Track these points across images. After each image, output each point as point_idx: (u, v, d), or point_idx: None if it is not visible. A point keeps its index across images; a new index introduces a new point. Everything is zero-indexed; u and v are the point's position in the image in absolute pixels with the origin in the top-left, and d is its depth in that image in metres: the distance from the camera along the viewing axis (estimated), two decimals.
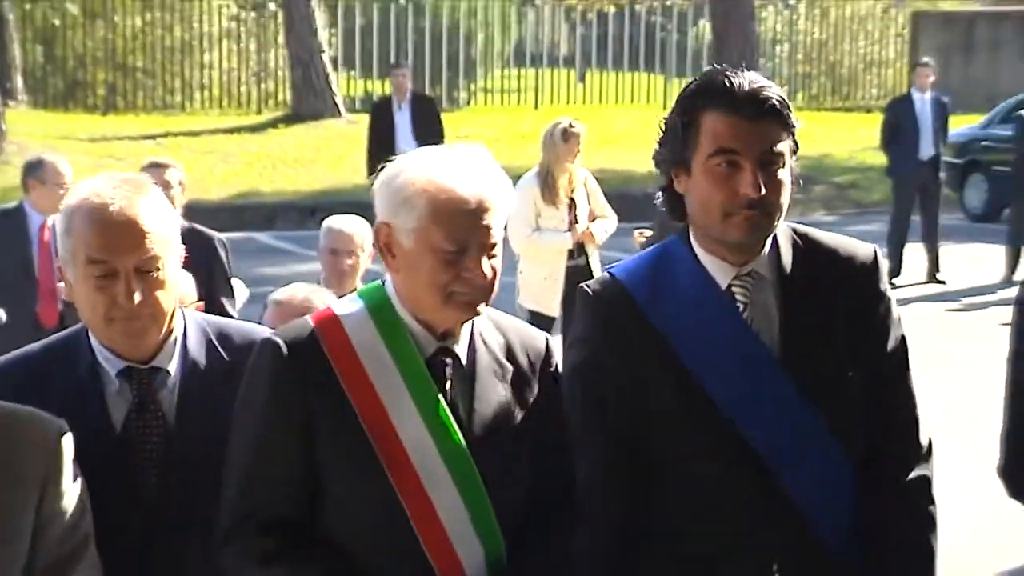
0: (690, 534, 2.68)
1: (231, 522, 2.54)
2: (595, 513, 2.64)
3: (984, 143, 16.92)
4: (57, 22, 24.83)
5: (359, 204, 8.57)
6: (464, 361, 2.59)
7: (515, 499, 2.59)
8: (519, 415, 2.62)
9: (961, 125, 16.88)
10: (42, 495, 2.47)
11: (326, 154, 19.60)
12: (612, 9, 28.87)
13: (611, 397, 2.67)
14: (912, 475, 2.76)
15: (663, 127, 2.72)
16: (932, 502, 2.84)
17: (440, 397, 2.54)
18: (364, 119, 16.54)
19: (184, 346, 2.72)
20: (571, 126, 8.51)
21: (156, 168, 6.30)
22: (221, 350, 2.74)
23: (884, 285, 2.81)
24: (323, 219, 6.19)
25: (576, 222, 8.40)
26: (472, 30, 26.03)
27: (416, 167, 2.53)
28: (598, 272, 8.44)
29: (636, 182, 15.92)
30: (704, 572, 2.68)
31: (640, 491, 2.68)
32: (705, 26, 24.41)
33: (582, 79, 27.11)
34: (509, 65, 27.69)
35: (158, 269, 2.59)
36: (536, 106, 25.18)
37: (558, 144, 8.42)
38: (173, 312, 2.68)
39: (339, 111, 22.68)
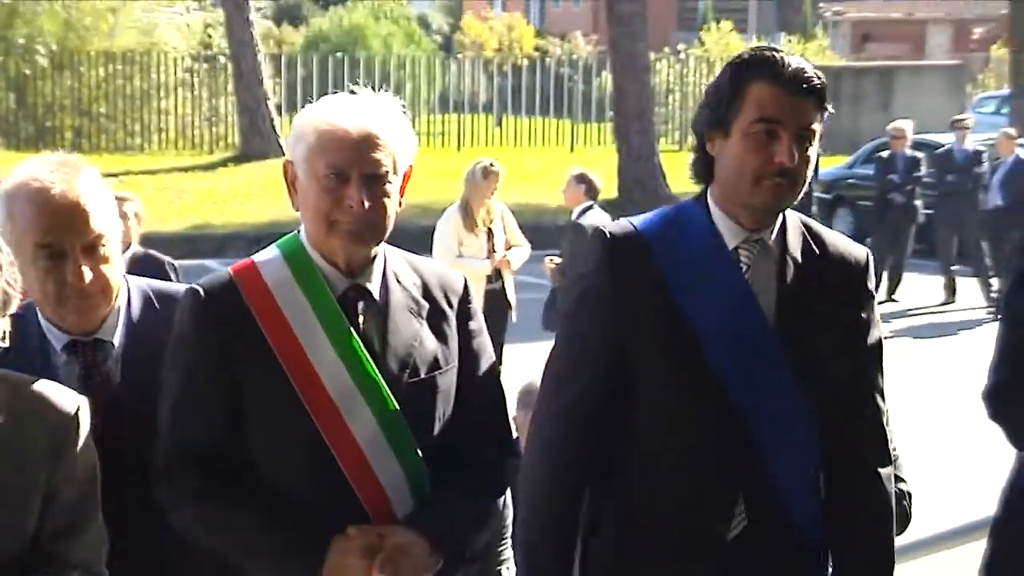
0: (659, 468, 2.54)
1: (165, 460, 2.45)
2: (561, 449, 2.52)
3: (849, 181, 17.14)
4: (28, 72, 24.37)
5: None
6: (376, 297, 2.49)
7: (431, 427, 2.49)
8: (435, 349, 2.51)
9: (829, 165, 17.11)
10: (54, 463, 2.35)
11: (271, 190, 19.32)
12: (525, 62, 28.90)
13: (607, 331, 2.53)
14: (880, 467, 2.63)
15: (707, 93, 2.60)
16: (899, 493, 2.79)
17: (352, 331, 2.44)
18: None
19: (128, 315, 2.59)
20: (491, 165, 8.51)
21: (115, 200, 6.15)
22: (163, 312, 2.60)
23: (872, 285, 2.70)
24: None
25: (494, 250, 8.42)
26: (401, 80, 25.94)
27: (315, 108, 2.47)
28: (512, 295, 8.56)
29: (548, 215, 15.91)
30: (672, 505, 2.54)
31: (612, 429, 2.56)
32: (607, 77, 24.50)
33: (499, 124, 27.09)
34: (434, 111, 27.59)
35: (103, 245, 2.48)
36: (458, 148, 25.03)
37: (479, 181, 8.42)
38: (118, 286, 2.57)
39: (282, 151, 22.37)
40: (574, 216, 8.99)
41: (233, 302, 2.45)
